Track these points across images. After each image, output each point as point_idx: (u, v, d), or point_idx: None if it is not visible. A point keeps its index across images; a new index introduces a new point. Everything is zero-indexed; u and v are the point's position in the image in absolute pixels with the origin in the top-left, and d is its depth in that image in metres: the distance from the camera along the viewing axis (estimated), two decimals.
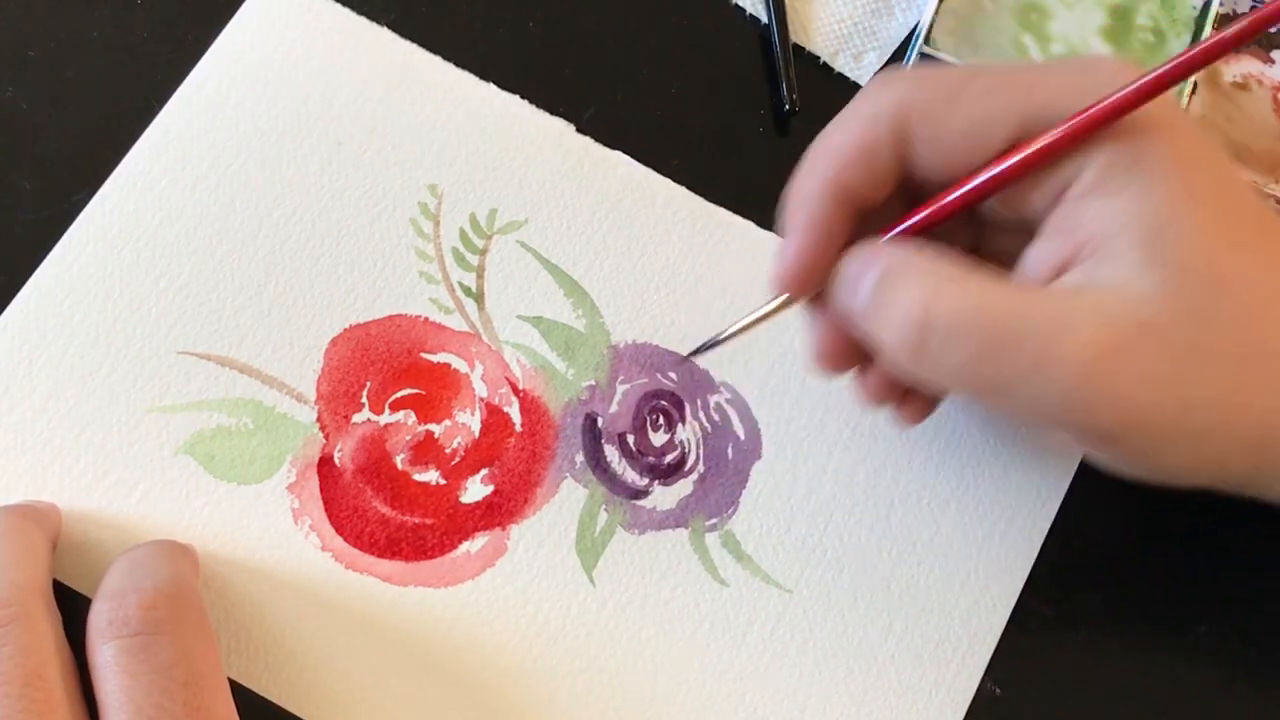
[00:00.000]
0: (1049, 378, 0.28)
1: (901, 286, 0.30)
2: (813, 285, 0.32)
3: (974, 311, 0.29)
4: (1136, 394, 0.28)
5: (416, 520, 0.35)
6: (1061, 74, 0.30)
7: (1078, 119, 0.29)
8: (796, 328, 0.38)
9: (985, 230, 0.33)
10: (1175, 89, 0.40)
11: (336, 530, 0.35)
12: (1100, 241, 0.29)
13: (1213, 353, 0.28)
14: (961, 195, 0.30)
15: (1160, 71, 0.28)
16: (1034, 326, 0.28)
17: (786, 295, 0.32)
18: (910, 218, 0.31)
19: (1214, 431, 0.29)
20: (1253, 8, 0.42)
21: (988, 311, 0.29)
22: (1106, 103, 0.28)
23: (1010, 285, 0.29)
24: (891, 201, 0.32)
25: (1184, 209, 0.28)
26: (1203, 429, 0.29)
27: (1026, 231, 0.31)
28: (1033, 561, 0.36)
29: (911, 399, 0.34)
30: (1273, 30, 0.42)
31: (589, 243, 0.38)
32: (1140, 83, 0.28)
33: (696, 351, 0.37)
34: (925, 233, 0.31)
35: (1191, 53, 0.28)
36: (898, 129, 0.30)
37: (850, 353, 0.33)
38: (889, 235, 0.31)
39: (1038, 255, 0.30)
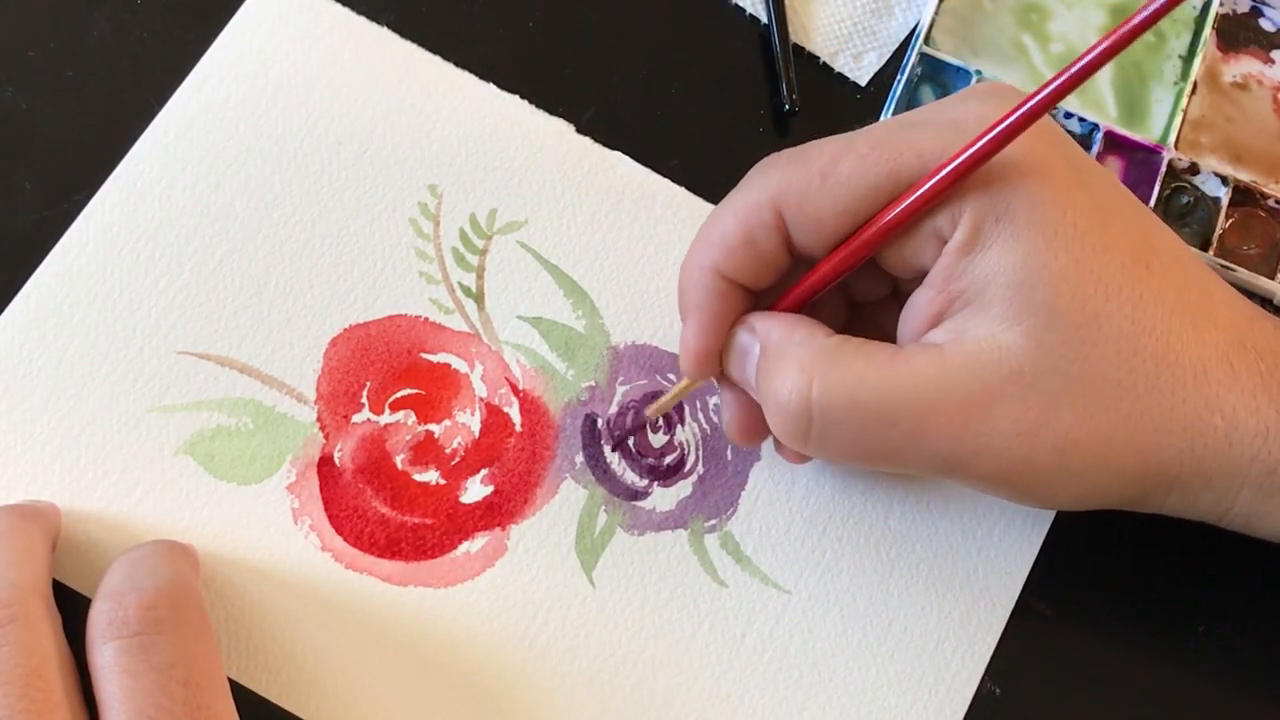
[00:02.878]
0: (927, 443, 0.29)
1: (781, 370, 0.30)
2: (711, 368, 0.33)
3: (850, 393, 0.30)
4: (1012, 445, 0.29)
5: (416, 520, 0.35)
6: (930, 132, 0.30)
7: (933, 177, 0.29)
8: None
9: (900, 283, 0.33)
10: (1175, 89, 0.41)
11: (336, 530, 0.35)
12: (971, 295, 0.29)
13: (1087, 392, 0.29)
14: (832, 267, 0.31)
15: (1017, 113, 0.27)
16: (908, 399, 0.29)
17: (692, 379, 0.33)
18: (791, 292, 0.32)
19: (1094, 469, 0.30)
20: (1252, 8, 0.42)
21: (863, 391, 0.29)
22: (962, 154, 0.28)
23: (883, 356, 0.30)
24: (791, 275, 0.32)
25: (1051, 254, 0.29)
26: (1082, 468, 0.30)
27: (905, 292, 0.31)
28: (1033, 561, 0.36)
29: None
30: (1272, 30, 0.42)
31: (589, 243, 0.38)
32: (994, 130, 0.28)
33: (619, 441, 0.36)
34: (808, 303, 0.32)
35: (1045, 91, 0.27)
36: (776, 216, 0.31)
37: (760, 425, 0.33)
38: (775, 308, 0.32)
39: (915, 306, 0.31)
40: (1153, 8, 0.25)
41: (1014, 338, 0.29)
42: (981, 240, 0.29)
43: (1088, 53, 0.26)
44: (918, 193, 0.29)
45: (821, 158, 0.31)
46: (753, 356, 0.31)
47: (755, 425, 0.33)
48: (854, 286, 0.34)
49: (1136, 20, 0.26)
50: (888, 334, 0.32)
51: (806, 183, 0.30)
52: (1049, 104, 0.27)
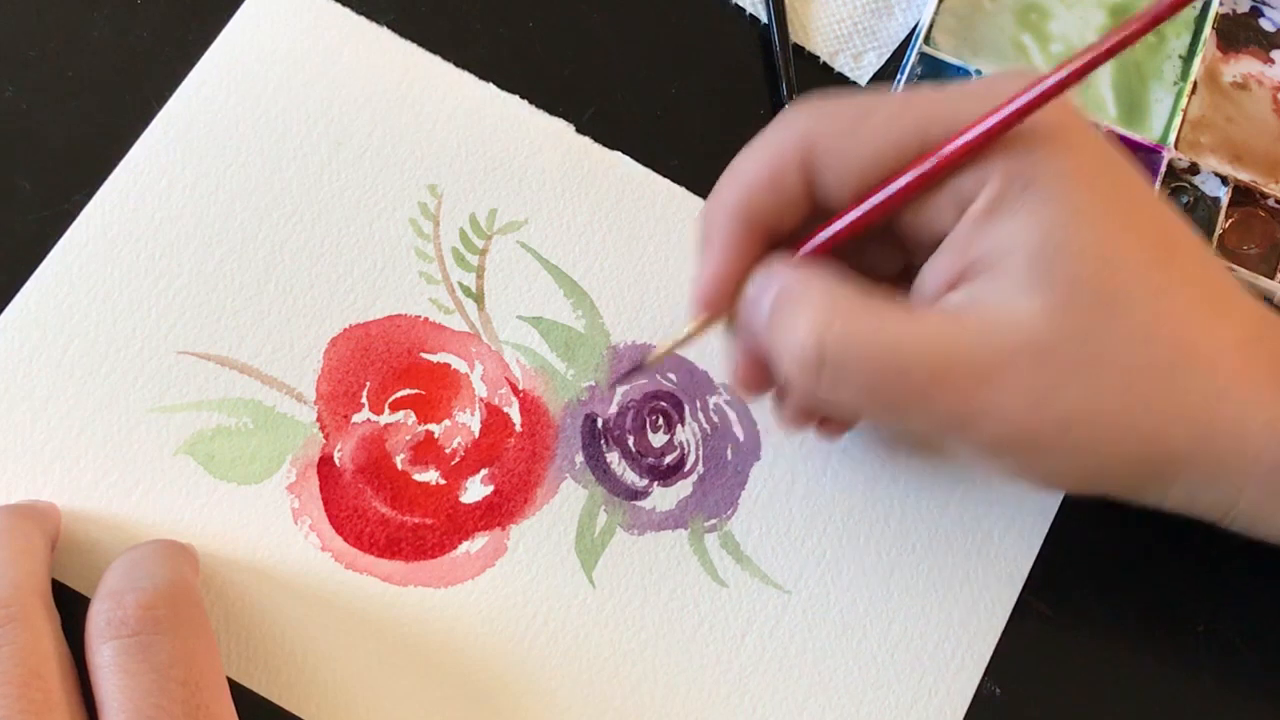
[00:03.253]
0: (934, 402, 0.29)
1: (796, 311, 0.30)
2: (721, 303, 0.32)
3: (864, 340, 0.29)
4: (1015, 412, 0.29)
5: (416, 520, 0.35)
6: (963, 94, 0.30)
7: (968, 131, 0.29)
8: None
9: (913, 252, 0.33)
10: (1175, 88, 0.41)
11: (336, 530, 0.35)
12: (991, 261, 0.29)
13: (1099, 371, 0.29)
14: (859, 214, 0.31)
15: (1050, 80, 0.28)
16: (919, 354, 0.29)
17: (704, 316, 0.33)
18: (812, 238, 0.32)
19: (1096, 447, 0.30)
20: (1252, 8, 0.42)
21: (877, 340, 0.29)
22: (996, 114, 0.28)
23: (899, 310, 0.30)
24: (809, 227, 0.32)
25: (1076, 228, 0.29)
26: (1084, 444, 0.29)
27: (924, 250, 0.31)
28: (1033, 561, 0.36)
29: (829, 420, 0.35)
30: (1272, 30, 0.42)
31: (589, 243, 0.38)
32: (1030, 92, 0.28)
33: (621, 379, 0.36)
34: (845, 253, 0.32)
35: (1081, 60, 0.27)
36: (805, 159, 0.31)
37: (765, 376, 0.33)
38: (797, 254, 0.32)
39: (933, 270, 0.30)
40: None
41: (1031, 308, 0.29)
42: (1005, 206, 0.29)
43: (1130, 22, 0.27)
44: (953, 145, 0.29)
45: (855, 105, 0.31)
46: (769, 296, 0.31)
47: (758, 373, 0.33)
48: (866, 256, 0.33)
49: None
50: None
51: (838, 127, 0.30)
52: (1091, 66, 0.27)
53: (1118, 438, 0.29)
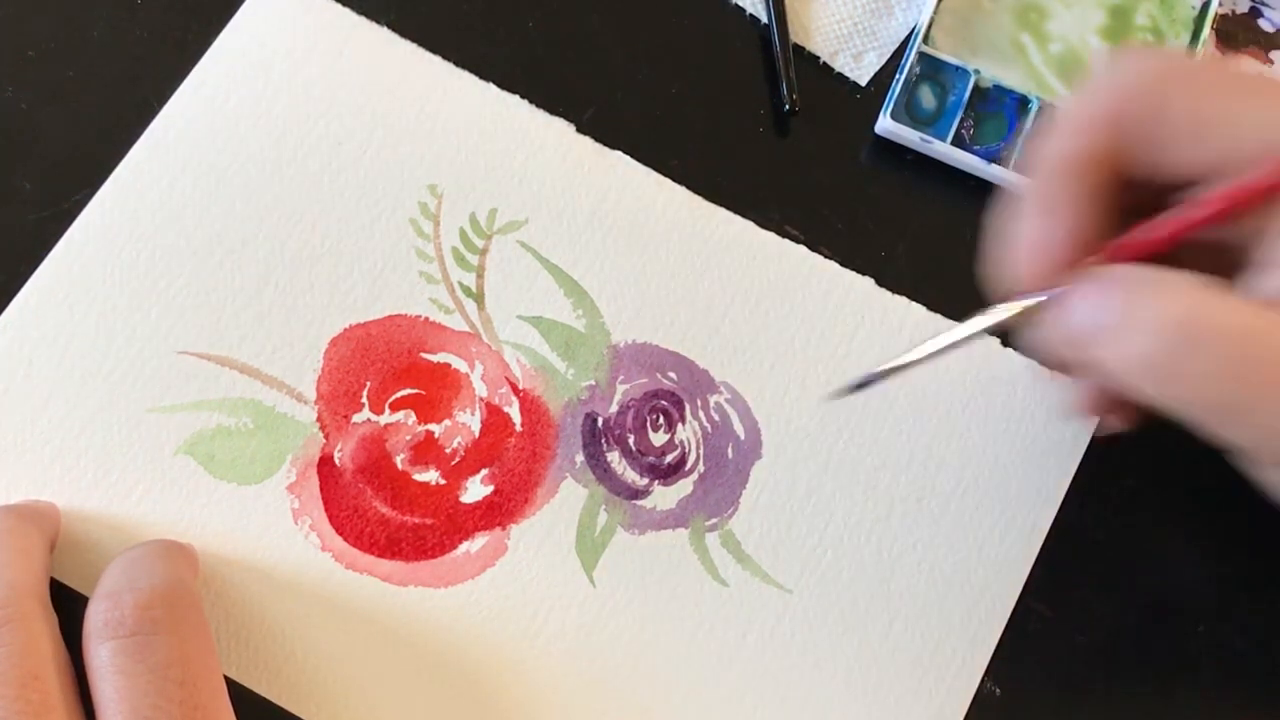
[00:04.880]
0: None
1: (1160, 296, 0.28)
2: (1046, 277, 0.29)
3: (1230, 325, 0.27)
4: None
5: (416, 520, 0.35)
6: None
7: None
8: (797, 326, 0.38)
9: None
10: None
11: (336, 530, 0.35)
12: None
13: None
14: (1215, 203, 0.28)
15: None
16: None
17: (1018, 304, 0.29)
18: (1158, 229, 0.29)
19: None
20: (1251, 9, 0.42)
21: (1244, 327, 0.27)
22: None
23: (1258, 305, 0.28)
24: (1112, 214, 0.29)
25: None
26: None
27: (1228, 255, 0.29)
28: (1033, 561, 0.36)
29: (1124, 406, 0.33)
30: (1271, 31, 0.42)
31: (589, 243, 0.38)
32: None
33: (865, 383, 0.32)
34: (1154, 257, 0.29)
35: None
36: (1160, 101, 0.28)
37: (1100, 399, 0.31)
38: (1124, 249, 0.29)
39: (1272, 285, 0.28)
40: None
41: None
42: None
43: None
44: None
45: (1226, 65, 0.29)
46: (1115, 295, 0.28)
47: (1105, 401, 0.31)
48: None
49: None
50: None
51: (1206, 76, 0.28)
52: None
53: None
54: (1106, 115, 0.28)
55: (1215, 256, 0.29)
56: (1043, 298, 0.29)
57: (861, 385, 0.32)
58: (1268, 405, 0.27)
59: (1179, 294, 0.28)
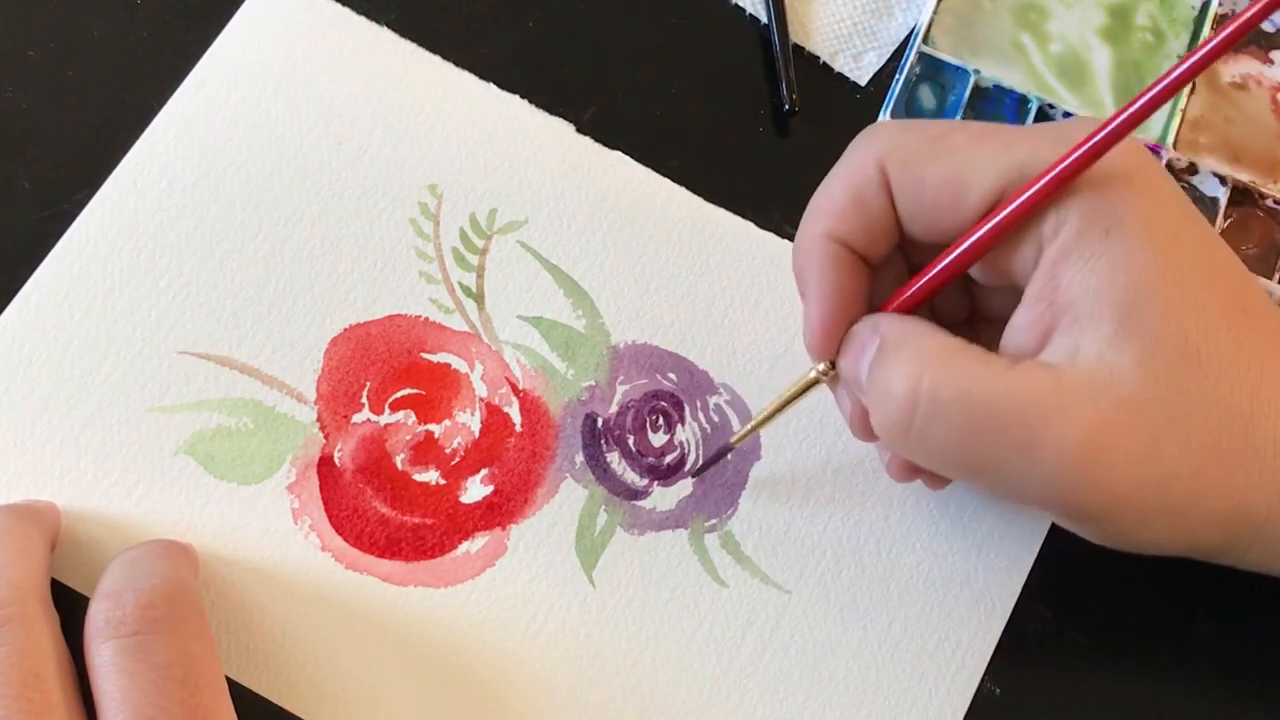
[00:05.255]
0: (1035, 460, 0.29)
1: (896, 361, 0.30)
2: (834, 348, 0.32)
3: (962, 391, 0.29)
4: (1121, 475, 0.28)
5: (416, 520, 0.35)
6: (1043, 135, 0.30)
7: (1050, 171, 0.28)
8: (796, 329, 0.38)
9: (979, 294, 0.33)
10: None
11: (336, 530, 0.35)
12: (1080, 310, 0.29)
13: (1187, 428, 0.28)
14: (949, 264, 0.30)
15: (1122, 117, 0.27)
16: (1020, 409, 0.28)
17: (820, 368, 0.32)
18: (906, 290, 0.31)
19: (1188, 507, 0.29)
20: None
21: (976, 392, 0.29)
22: (1074, 153, 0.28)
23: (999, 364, 0.29)
24: (897, 262, 0.32)
25: (1163, 280, 0.28)
26: (1178, 506, 0.29)
27: (1016, 293, 0.31)
28: (1033, 561, 0.36)
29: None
30: (1271, 30, 0.42)
31: (589, 243, 0.38)
32: (1101, 133, 0.28)
33: (712, 460, 0.36)
34: (925, 302, 0.32)
35: (1150, 94, 0.27)
36: (883, 175, 0.31)
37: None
38: (890, 307, 0.32)
39: (1022, 322, 0.30)
40: None
41: (1123, 362, 0.28)
42: (1088, 250, 0.29)
43: (1206, 43, 0.26)
44: (1036, 186, 0.28)
45: (932, 127, 0.31)
46: (870, 351, 0.31)
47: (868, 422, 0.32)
48: (937, 304, 0.33)
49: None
50: None
51: (916, 145, 0.30)
52: (1154, 105, 0.27)
53: (1208, 496, 0.29)
54: (844, 197, 0.31)
55: (1008, 293, 0.31)
56: (821, 366, 0.32)
57: (708, 465, 0.36)
58: (1010, 465, 0.29)
59: (911, 362, 0.29)
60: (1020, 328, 0.30)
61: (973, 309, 0.34)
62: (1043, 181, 0.29)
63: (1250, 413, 0.29)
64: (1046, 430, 0.28)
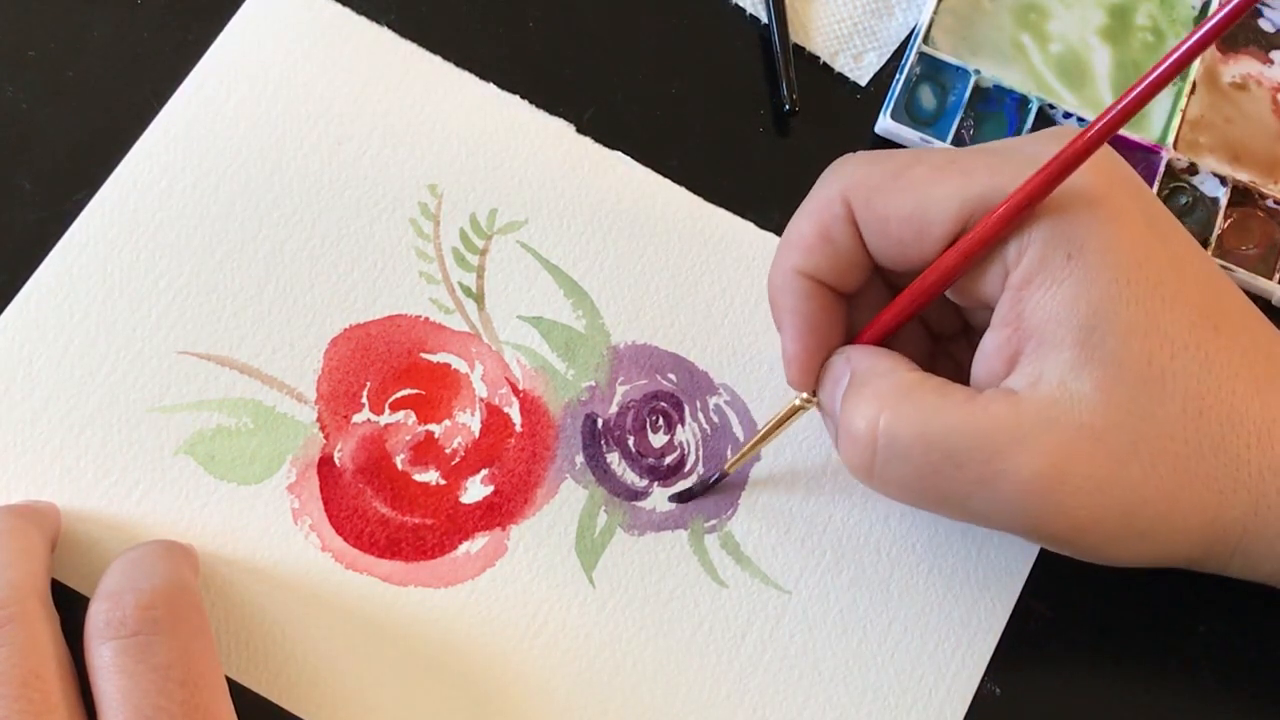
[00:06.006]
0: (996, 492, 0.29)
1: (858, 399, 0.30)
2: (813, 379, 0.32)
3: (919, 430, 0.29)
4: (1083, 500, 0.29)
5: (416, 520, 0.35)
6: (1006, 160, 0.30)
7: (1009, 201, 0.28)
8: None
9: (966, 308, 0.33)
10: (1174, 89, 0.41)
11: (336, 530, 0.35)
12: (1044, 335, 0.29)
13: (1153, 452, 0.29)
14: (911, 295, 0.31)
15: (1082, 138, 0.27)
16: (978, 442, 0.29)
17: (803, 396, 0.33)
18: (876, 322, 0.32)
19: (1161, 529, 0.29)
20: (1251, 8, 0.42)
21: (933, 428, 0.29)
22: (1034, 180, 0.28)
23: (958, 397, 0.29)
24: (877, 286, 0.33)
25: (1124, 304, 0.28)
26: (1147, 527, 0.29)
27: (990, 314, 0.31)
28: (1033, 561, 0.36)
29: None
30: (1271, 31, 0.42)
31: (589, 243, 0.38)
32: (1063, 155, 0.28)
33: (719, 478, 0.36)
34: (898, 330, 0.32)
35: (1111, 114, 0.27)
36: (848, 210, 0.31)
37: None
38: (863, 338, 0.32)
39: (991, 346, 0.30)
40: (1227, 9, 0.25)
41: (1084, 388, 0.28)
42: (1049, 276, 0.29)
43: (1170, 54, 0.26)
44: (997, 212, 0.29)
45: (895, 159, 0.31)
46: (843, 384, 0.31)
47: None
48: (930, 318, 0.34)
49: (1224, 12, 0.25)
50: (966, 370, 0.32)
51: (878, 179, 0.30)
52: (1113, 126, 0.27)
53: (1178, 515, 0.29)
54: (812, 233, 0.31)
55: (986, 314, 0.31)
56: (804, 395, 0.33)
57: (695, 494, 0.36)
58: (973, 498, 0.29)
59: (871, 401, 0.30)
60: (989, 352, 0.30)
61: (964, 322, 0.34)
62: (999, 212, 0.29)
63: (1218, 433, 0.29)
64: (1005, 462, 0.28)
